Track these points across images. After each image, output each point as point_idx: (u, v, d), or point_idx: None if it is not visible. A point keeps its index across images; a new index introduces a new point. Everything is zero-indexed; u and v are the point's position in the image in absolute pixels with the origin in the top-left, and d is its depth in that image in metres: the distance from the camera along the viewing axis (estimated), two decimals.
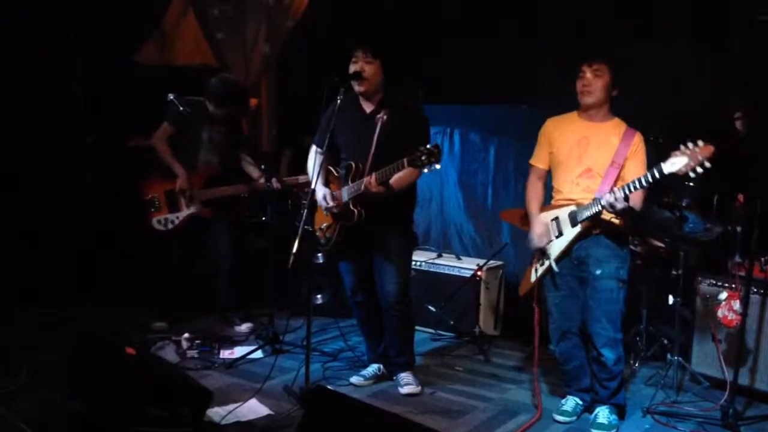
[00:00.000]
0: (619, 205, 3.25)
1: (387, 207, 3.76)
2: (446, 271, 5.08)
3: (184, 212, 4.81)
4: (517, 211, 3.96)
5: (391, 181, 3.64)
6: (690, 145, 3.04)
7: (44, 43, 5.10)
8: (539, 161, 3.72)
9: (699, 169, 3.02)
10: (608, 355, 3.48)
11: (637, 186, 3.23)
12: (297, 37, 5.92)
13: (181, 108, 4.67)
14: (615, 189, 3.28)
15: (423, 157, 3.34)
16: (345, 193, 3.79)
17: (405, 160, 3.43)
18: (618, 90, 3.51)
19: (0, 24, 4.95)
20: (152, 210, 4.80)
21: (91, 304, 5.17)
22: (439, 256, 5.30)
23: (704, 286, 4.08)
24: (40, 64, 5.16)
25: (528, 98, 5.23)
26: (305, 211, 3.64)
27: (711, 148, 3.00)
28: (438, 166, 3.38)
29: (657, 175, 3.15)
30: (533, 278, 3.69)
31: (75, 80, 5.51)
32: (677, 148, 3.08)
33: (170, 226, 4.80)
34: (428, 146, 3.35)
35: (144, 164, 4.96)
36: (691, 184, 3.99)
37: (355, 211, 3.75)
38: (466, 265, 5.03)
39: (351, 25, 5.58)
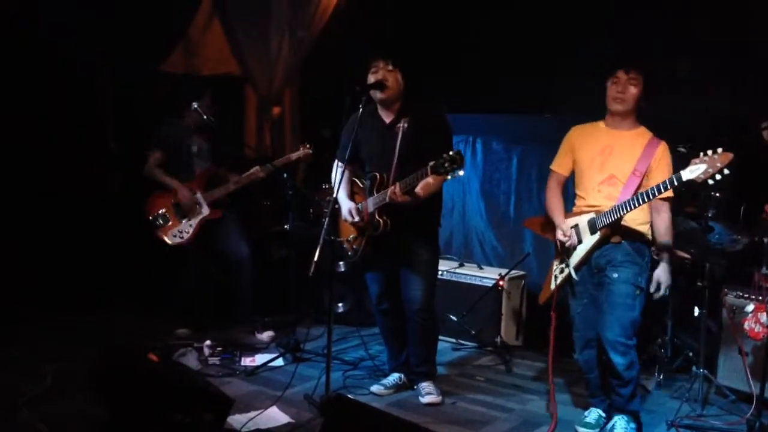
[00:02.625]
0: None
1: (413, 216, 3.76)
2: (468, 281, 5.06)
3: (196, 218, 4.80)
4: (538, 218, 3.93)
5: (417, 189, 3.64)
6: (709, 152, 3.05)
7: (71, 50, 5.17)
8: (560, 167, 3.73)
9: (718, 176, 3.02)
10: (618, 360, 3.43)
11: (654, 194, 3.21)
12: (320, 45, 5.95)
13: (205, 117, 4.72)
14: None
15: (446, 164, 3.34)
16: (370, 204, 3.80)
17: (428, 167, 3.42)
18: (645, 102, 3.49)
19: (27, 32, 5.04)
20: (162, 225, 4.80)
21: (116, 310, 5.22)
22: (461, 265, 5.28)
23: (730, 297, 4.02)
24: (67, 72, 5.24)
25: (551, 108, 5.21)
26: (326, 219, 3.64)
27: (730, 156, 3.01)
28: (461, 173, 3.37)
29: (675, 182, 3.13)
30: (553, 285, 3.68)
31: (101, 88, 5.59)
32: (696, 156, 3.09)
33: (185, 236, 4.78)
34: (451, 153, 3.34)
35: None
36: (718, 194, 3.95)
37: (381, 221, 3.75)
38: (488, 275, 5.01)
39: (374, 34, 5.60)
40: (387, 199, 3.64)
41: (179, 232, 4.80)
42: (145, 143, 5.04)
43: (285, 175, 4.78)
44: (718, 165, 3.01)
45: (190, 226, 4.80)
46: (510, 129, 5.49)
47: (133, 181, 5.57)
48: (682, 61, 4.58)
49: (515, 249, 5.40)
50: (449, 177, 3.42)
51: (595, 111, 3.77)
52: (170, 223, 4.81)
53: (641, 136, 3.51)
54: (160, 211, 4.82)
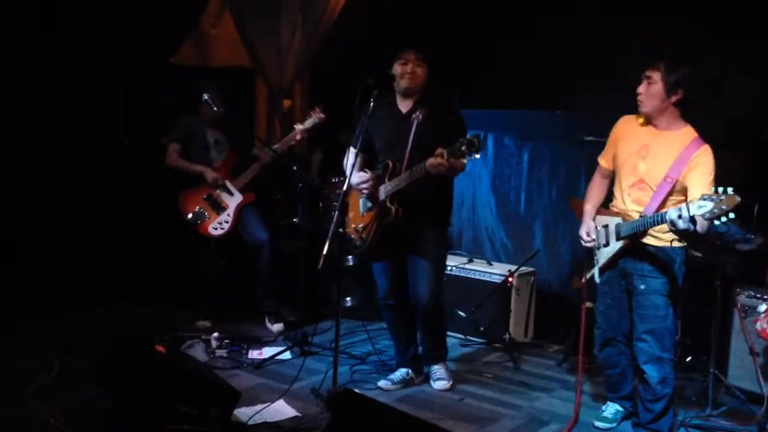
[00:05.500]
0: (682, 224, 3.02)
1: (424, 206, 3.79)
2: (477, 277, 5.03)
3: (232, 206, 4.85)
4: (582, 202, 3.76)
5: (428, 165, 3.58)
6: (719, 190, 2.92)
7: (82, 43, 5.17)
8: (605, 160, 3.59)
9: (723, 219, 2.91)
10: (651, 372, 3.34)
11: (664, 221, 3.11)
12: (331, 39, 5.93)
13: (215, 108, 4.73)
14: (682, 206, 3.06)
15: (462, 147, 3.36)
16: (382, 192, 3.81)
17: (444, 151, 3.45)
18: (681, 94, 3.27)
19: (38, 26, 5.04)
20: (202, 222, 4.83)
21: (130, 302, 5.21)
22: (470, 261, 5.26)
23: (743, 297, 3.99)
24: (78, 65, 5.24)
25: (563, 103, 5.17)
26: (336, 212, 3.64)
27: (736, 199, 2.87)
28: (477, 156, 3.38)
29: (684, 214, 3.01)
30: (584, 278, 3.61)
31: (113, 81, 5.58)
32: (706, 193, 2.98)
33: (227, 226, 4.83)
34: (468, 136, 3.38)
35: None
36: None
37: (393, 208, 3.77)
38: (497, 271, 4.98)
39: (386, 27, 5.57)
40: (428, 168, 3.55)
41: (219, 224, 4.84)
42: (157, 135, 5.04)
43: (295, 168, 4.78)
44: (723, 207, 2.88)
45: (228, 215, 4.84)
46: (521, 125, 5.46)
47: (146, 173, 5.58)
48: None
49: (525, 245, 5.38)
50: (465, 160, 3.45)
51: (606, 107, 3.74)
52: (209, 217, 4.84)
53: (683, 137, 3.29)
54: (196, 209, 4.84)
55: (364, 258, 4.09)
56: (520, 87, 5.36)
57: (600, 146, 3.68)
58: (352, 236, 3.99)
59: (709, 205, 2.92)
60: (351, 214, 4.03)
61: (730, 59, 4.48)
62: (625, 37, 4.78)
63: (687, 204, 3.04)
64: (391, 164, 3.79)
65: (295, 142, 4.85)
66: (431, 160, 3.53)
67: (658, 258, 3.34)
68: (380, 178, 3.83)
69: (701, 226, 3.06)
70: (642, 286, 3.35)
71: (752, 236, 4.04)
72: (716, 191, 2.93)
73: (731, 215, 2.89)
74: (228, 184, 4.86)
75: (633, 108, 3.47)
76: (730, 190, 2.90)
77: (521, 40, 5.32)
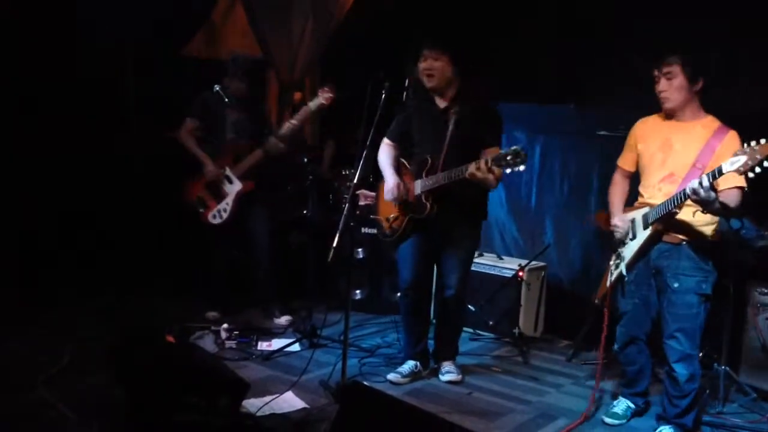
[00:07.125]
0: (704, 193, 3.01)
1: (461, 203, 3.81)
2: (487, 271, 5.01)
3: (231, 194, 4.80)
4: (603, 213, 3.80)
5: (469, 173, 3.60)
6: (752, 143, 2.93)
7: (93, 36, 5.17)
8: (625, 163, 3.63)
9: (757, 169, 2.90)
10: (681, 371, 3.33)
11: (705, 183, 3.03)
12: (342, 32, 5.91)
13: (226, 99, 4.72)
14: (702, 175, 3.06)
15: (509, 157, 3.34)
16: (418, 186, 3.84)
17: (489, 159, 3.43)
18: (702, 82, 3.29)
19: (51, 9, 5.04)
20: (202, 209, 4.83)
21: (139, 292, 5.23)
22: (481, 255, 5.23)
23: (756, 294, 3.96)
24: (90, 57, 5.24)
25: (575, 97, 5.13)
26: (347, 205, 3.63)
27: None
28: (522, 168, 3.36)
29: (717, 175, 3.01)
30: (608, 282, 3.59)
31: (124, 73, 5.59)
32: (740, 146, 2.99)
33: (225, 215, 4.80)
34: (515, 148, 3.35)
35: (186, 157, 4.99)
36: (746, 189, 3.87)
37: (428, 204, 3.79)
38: (508, 265, 4.97)
39: (396, 21, 5.55)
40: (467, 175, 3.56)
41: (218, 212, 4.81)
42: (167, 128, 5.03)
43: (305, 160, 4.77)
44: (758, 157, 2.87)
45: (227, 204, 4.80)
46: (533, 119, 5.42)
47: (154, 165, 5.58)
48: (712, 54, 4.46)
49: (535, 240, 5.36)
50: (508, 171, 3.40)
51: (619, 101, 3.71)
52: (209, 206, 4.82)
53: (706, 126, 3.31)
54: (197, 197, 4.83)
55: (392, 244, 4.08)
56: (531, 80, 5.32)
57: (612, 140, 3.68)
58: (383, 224, 4.04)
59: (742, 159, 2.90)
60: (382, 202, 4.06)
61: (748, 55, 4.42)
62: (633, 32, 4.73)
63: (714, 170, 3.00)
64: (430, 160, 3.79)
65: (296, 123, 4.68)
66: (472, 169, 3.51)
67: (692, 255, 3.31)
68: (417, 173, 3.86)
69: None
70: (675, 284, 3.32)
71: (766, 233, 4.01)
72: (748, 144, 2.93)
73: (766, 164, 2.86)
74: (228, 171, 4.78)
75: (642, 102, 3.47)
76: (763, 140, 2.89)
77: (533, 32, 5.28)
